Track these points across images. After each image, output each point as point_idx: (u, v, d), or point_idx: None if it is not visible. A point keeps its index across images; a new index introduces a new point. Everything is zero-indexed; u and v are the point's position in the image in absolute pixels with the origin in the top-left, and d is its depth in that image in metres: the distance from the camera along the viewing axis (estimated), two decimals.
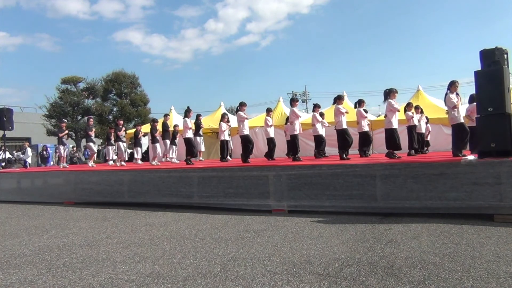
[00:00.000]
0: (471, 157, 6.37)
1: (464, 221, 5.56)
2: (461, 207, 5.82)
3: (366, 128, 9.60)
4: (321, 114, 10.96)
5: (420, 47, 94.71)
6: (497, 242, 4.43)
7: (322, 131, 10.36)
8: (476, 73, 6.16)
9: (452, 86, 7.31)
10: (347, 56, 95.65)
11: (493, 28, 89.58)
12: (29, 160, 18.56)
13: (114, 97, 30.81)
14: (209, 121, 16.32)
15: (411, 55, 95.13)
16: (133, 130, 14.49)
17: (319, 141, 10.22)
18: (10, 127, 13.13)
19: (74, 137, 28.40)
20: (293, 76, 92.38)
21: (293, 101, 9.69)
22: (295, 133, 9.53)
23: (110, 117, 29.79)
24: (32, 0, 70.89)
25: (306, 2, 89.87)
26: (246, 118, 9.90)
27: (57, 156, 12.70)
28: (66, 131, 12.33)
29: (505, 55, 6.09)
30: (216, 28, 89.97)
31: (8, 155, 17.45)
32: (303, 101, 46.97)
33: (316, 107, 10.95)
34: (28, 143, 20.14)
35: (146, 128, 15.21)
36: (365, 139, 9.69)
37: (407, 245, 4.42)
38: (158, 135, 12.59)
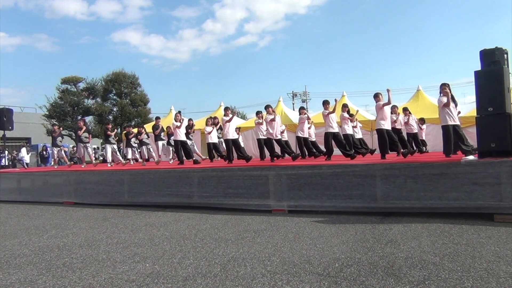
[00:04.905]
0: (471, 157, 6.37)
1: (464, 221, 5.56)
2: (461, 207, 5.82)
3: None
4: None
5: (420, 47, 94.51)
6: (497, 242, 4.43)
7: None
8: (476, 73, 6.17)
9: (441, 88, 7.41)
10: (346, 56, 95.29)
11: (493, 28, 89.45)
12: (26, 160, 18.53)
13: (114, 97, 30.80)
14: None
15: (411, 55, 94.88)
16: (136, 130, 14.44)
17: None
18: (10, 127, 13.09)
19: (74, 137, 28.39)
20: (292, 76, 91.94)
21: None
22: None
23: (110, 117, 29.79)
24: (30, 1, 70.84)
25: (303, 2, 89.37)
26: (228, 121, 9.81)
27: (56, 157, 12.64)
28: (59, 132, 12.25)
29: (505, 55, 6.09)
30: (214, 29, 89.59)
31: (6, 154, 17.46)
32: (303, 101, 46.96)
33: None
34: (26, 143, 20.11)
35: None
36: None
37: (407, 245, 4.42)
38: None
